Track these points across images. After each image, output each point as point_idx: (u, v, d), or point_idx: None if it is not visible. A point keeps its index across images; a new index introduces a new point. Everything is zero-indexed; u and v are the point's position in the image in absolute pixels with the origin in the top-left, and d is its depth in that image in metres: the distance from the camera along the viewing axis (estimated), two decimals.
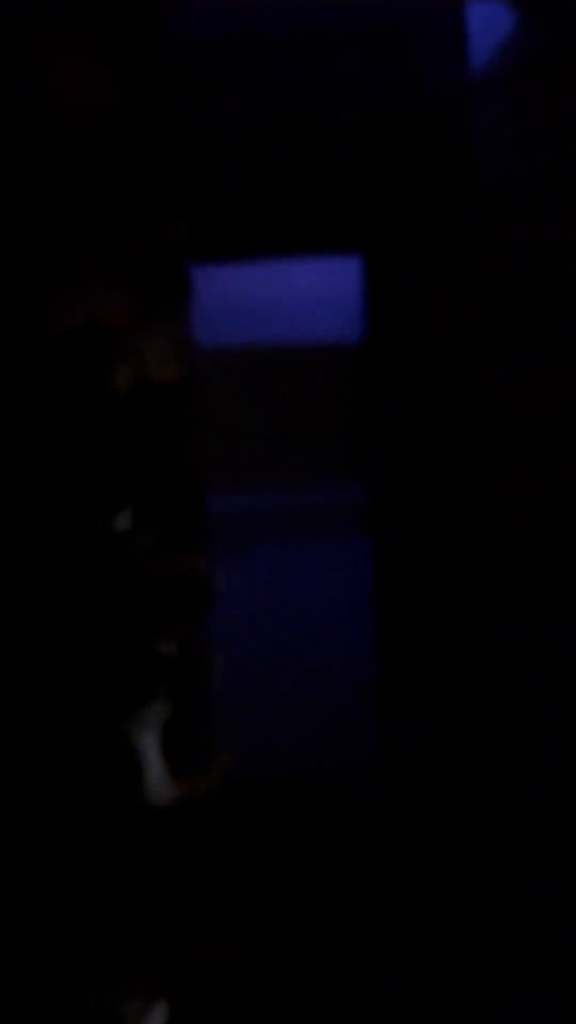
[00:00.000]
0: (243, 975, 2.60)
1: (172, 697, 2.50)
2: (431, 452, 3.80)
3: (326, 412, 3.95)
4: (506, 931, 3.72)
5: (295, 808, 3.82)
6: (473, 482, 3.75)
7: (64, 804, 2.45)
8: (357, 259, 3.92)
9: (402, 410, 3.84)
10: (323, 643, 3.93)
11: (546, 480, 3.71)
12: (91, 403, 2.48)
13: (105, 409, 2.48)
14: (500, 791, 3.73)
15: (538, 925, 3.66)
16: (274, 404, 3.92)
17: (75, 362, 2.47)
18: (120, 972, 2.49)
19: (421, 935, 3.78)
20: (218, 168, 3.68)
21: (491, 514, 3.74)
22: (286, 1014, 3.69)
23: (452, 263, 3.77)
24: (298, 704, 3.89)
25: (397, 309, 3.85)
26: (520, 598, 3.72)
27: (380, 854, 3.84)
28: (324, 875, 3.83)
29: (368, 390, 3.93)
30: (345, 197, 3.81)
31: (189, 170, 2.65)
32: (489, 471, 3.75)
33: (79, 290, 2.50)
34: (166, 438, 2.53)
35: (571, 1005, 3.61)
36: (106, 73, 2.59)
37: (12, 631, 2.45)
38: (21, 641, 2.45)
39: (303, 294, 3.96)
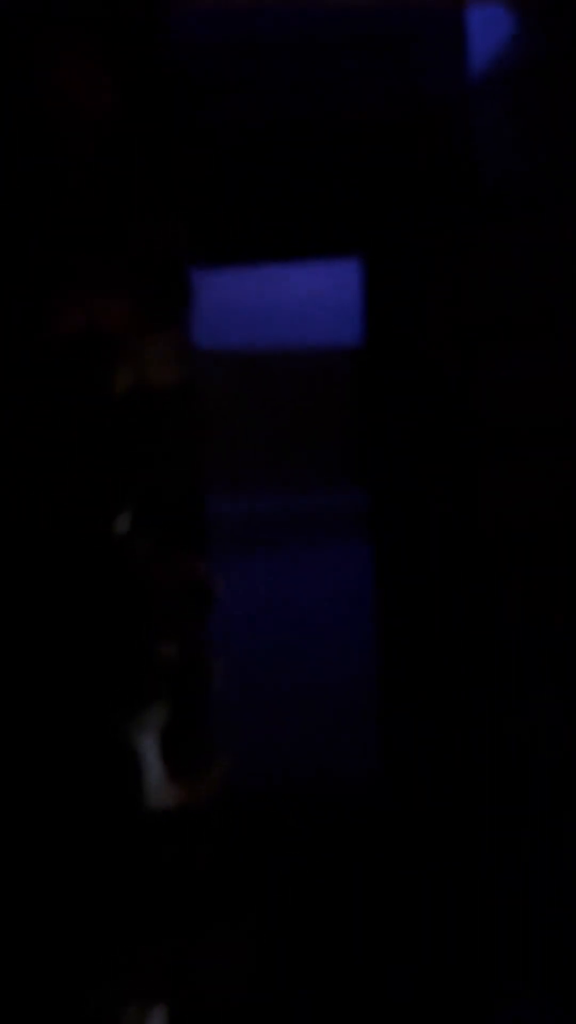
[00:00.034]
0: (243, 976, 2.60)
1: (171, 700, 2.49)
2: (431, 455, 3.80)
3: (326, 415, 3.95)
4: (506, 931, 3.71)
5: (295, 810, 3.83)
6: (473, 483, 3.75)
7: (63, 806, 2.45)
8: (357, 262, 3.92)
9: (402, 413, 3.84)
10: (323, 646, 3.93)
11: (546, 480, 3.71)
12: (90, 406, 2.48)
13: (104, 412, 2.48)
14: (500, 791, 3.73)
15: (538, 925, 3.66)
16: (274, 407, 3.92)
17: (74, 365, 2.47)
18: (119, 973, 2.49)
19: (421, 935, 3.78)
20: (218, 171, 3.67)
21: (491, 514, 3.74)
22: (286, 1014, 3.70)
23: (452, 265, 3.77)
24: (298, 707, 3.89)
25: (397, 312, 3.85)
26: (520, 598, 3.72)
27: (380, 854, 3.84)
28: (324, 875, 3.83)
29: (368, 393, 3.93)
30: (345, 200, 3.81)
31: (189, 172, 2.64)
32: (489, 471, 3.75)
33: (78, 292, 2.50)
34: (165, 441, 2.52)
35: (571, 1005, 3.61)
36: (106, 74, 2.59)
37: (10, 633, 2.45)
38: (19, 643, 2.45)
39: (302, 297, 3.96)
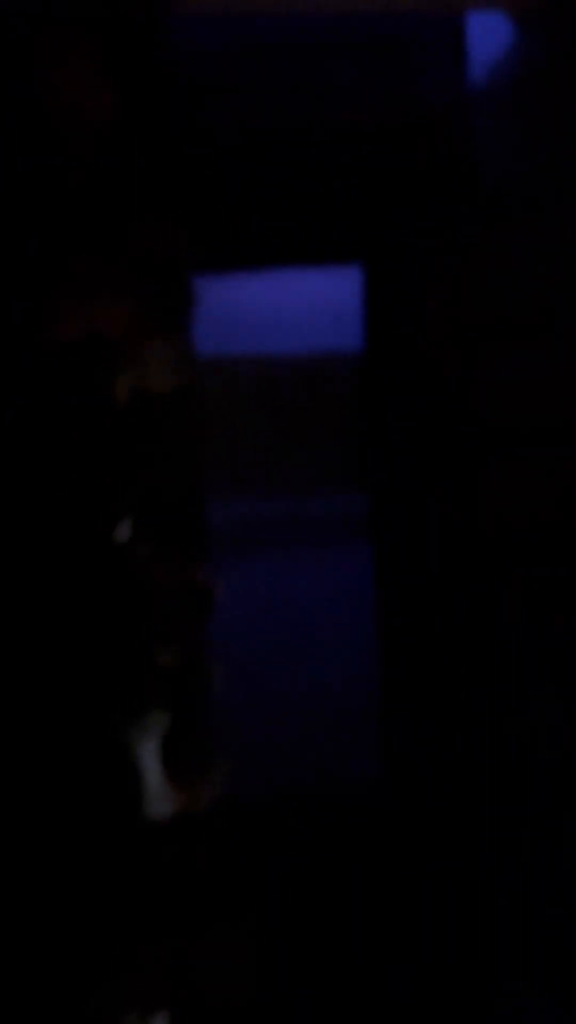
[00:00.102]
0: (244, 977, 2.60)
1: (172, 705, 2.50)
2: (431, 457, 3.80)
3: (326, 419, 3.95)
4: (506, 931, 3.72)
5: (296, 811, 3.83)
6: (473, 483, 3.74)
7: (64, 812, 2.45)
8: (357, 268, 3.93)
9: (402, 415, 3.84)
10: (324, 650, 3.93)
11: (546, 480, 3.70)
12: (91, 410, 2.48)
13: (105, 416, 2.48)
14: (500, 791, 3.73)
15: (538, 925, 3.66)
16: (275, 411, 3.92)
17: (75, 369, 2.47)
18: (120, 977, 2.49)
19: (421, 935, 3.78)
20: (218, 175, 3.67)
21: (491, 515, 3.74)
22: (286, 1014, 3.70)
23: (452, 267, 3.77)
24: (299, 710, 3.89)
25: (397, 315, 3.85)
26: (520, 599, 3.72)
27: (380, 854, 3.85)
28: (324, 875, 3.83)
29: (368, 396, 3.93)
30: (345, 204, 3.81)
31: (190, 175, 2.64)
32: (489, 472, 3.75)
33: (79, 296, 2.50)
34: (166, 445, 2.52)
35: (571, 1005, 3.61)
36: (106, 75, 2.59)
37: (12, 639, 2.44)
38: (21, 649, 2.45)
39: (303, 303, 3.96)
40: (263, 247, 3.83)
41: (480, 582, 3.74)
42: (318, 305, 3.96)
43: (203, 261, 2.62)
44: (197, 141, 2.94)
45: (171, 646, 2.52)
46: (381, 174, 3.84)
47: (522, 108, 3.67)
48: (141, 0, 2.64)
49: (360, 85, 3.79)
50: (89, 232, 2.54)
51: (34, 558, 2.46)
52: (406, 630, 3.86)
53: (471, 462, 3.74)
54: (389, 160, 3.84)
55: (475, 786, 3.75)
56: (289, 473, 3.95)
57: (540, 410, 3.71)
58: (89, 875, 2.46)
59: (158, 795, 2.48)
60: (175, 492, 2.55)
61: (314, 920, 3.80)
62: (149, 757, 2.49)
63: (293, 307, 3.96)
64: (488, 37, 3.74)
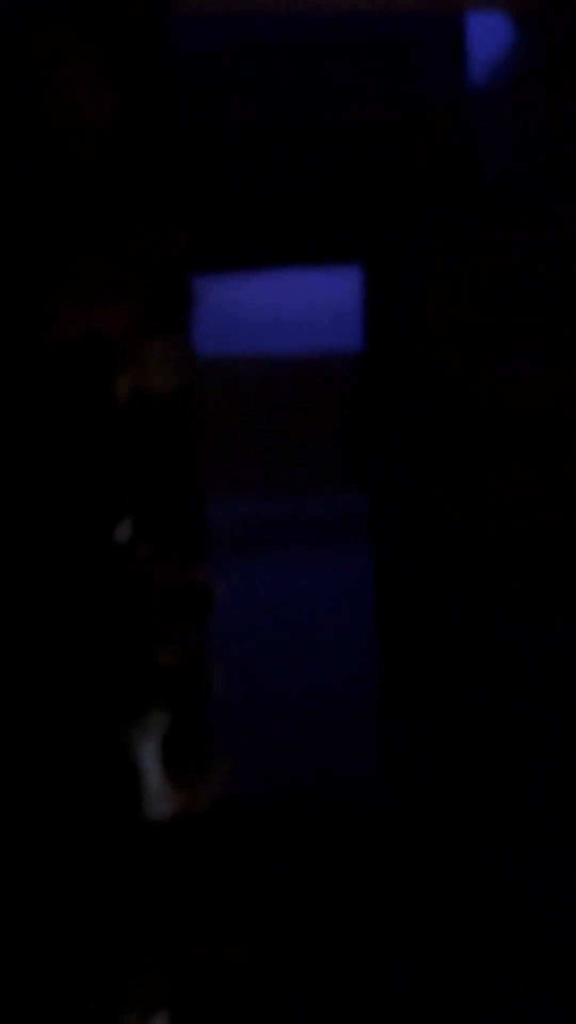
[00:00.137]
0: (243, 977, 2.60)
1: (172, 705, 2.50)
2: (432, 457, 3.80)
3: (327, 419, 3.95)
4: (506, 931, 3.72)
5: (296, 811, 3.83)
6: (473, 483, 3.74)
7: (64, 812, 2.45)
8: (357, 268, 3.93)
9: (402, 415, 3.84)
10: (324, 650, 3.93)
11: (546, 480, 3.70)
12: (91, 410, 2.48)
13: (105, 416, 2.48)
14: (500, 791, 3.73)
15: (538, 925, 3.66)
16: (275, 412, 3.92)
17: (75, 371, 2.47)
18: (120, 977, 2.49)
19: (421, 935, 3.78)
20: (218, 175, 3.67)
21: (491, 515, 3.74)
22: (286, 1014, 3.70)
23: (452, 268, 3.77)
24: (299, 710, 3.89)
25: (397, 317, 3.85)
26: (520, 599, 3.71)
27: (380, 854, 3.85)
28: (324, 875, 3.83)
29: (368, 396, 3.93)
30: (346, 204, 3.81)
31: (190, 175, 2.64)
32: (489, 471, 3.75)
33: (79, 297, 2.50)
34: (166, 446, 2.52)
35: (571, 1005, 3.61)
36: (106, 75, 2.59)
37: (11, 639, 2.44)
38: (20, 649, 2.44)
39: (303, 303, 3.96)
40: (263, 247, 3.83)
41: (480, 582, 3.74)
42: (318, 305, 3.96)
43: (203, 261, 2.62)
44: (197, 141, 2.93)
45: (171, 646, 2.51)
46: (381, 174, 3.84)
47: (522, 108, 3.67)
48: (141, 0, 2.64)
49: (360, 85, 3.79)
50: (89, 232, 2.54)
51: (34, 558, 2.46)
52: (406, 630, 3.85)
53: (471, 462, 3.74)
54: (389, 160, 3.84)
55: (475, 786, 3.75)
56: (289, 473, 3.95)
57: (540, 410, 3.71)
58: (89, 875, 2.46)
59: (158, 795, 2.48)
60: (175, 492, 2.55)
61: (314, 920, 3.80)
62: (149, 757, 2.48)
63: (293, 307, 3.96)
64: (488, 37, 3.74)
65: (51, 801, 2.45)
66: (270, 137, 3.75)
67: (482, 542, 3.74)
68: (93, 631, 2.46)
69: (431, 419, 3.79)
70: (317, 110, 3.77)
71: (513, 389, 3.71)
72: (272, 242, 3.83)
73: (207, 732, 2.60)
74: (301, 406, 3.95)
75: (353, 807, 3.86)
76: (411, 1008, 3.75)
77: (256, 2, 3.48)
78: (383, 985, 3.78)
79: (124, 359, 2.47)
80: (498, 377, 3.72)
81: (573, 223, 3.60)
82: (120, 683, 2.47)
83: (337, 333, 3.95)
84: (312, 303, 3.96)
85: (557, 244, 3.62)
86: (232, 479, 3.87)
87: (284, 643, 3.91)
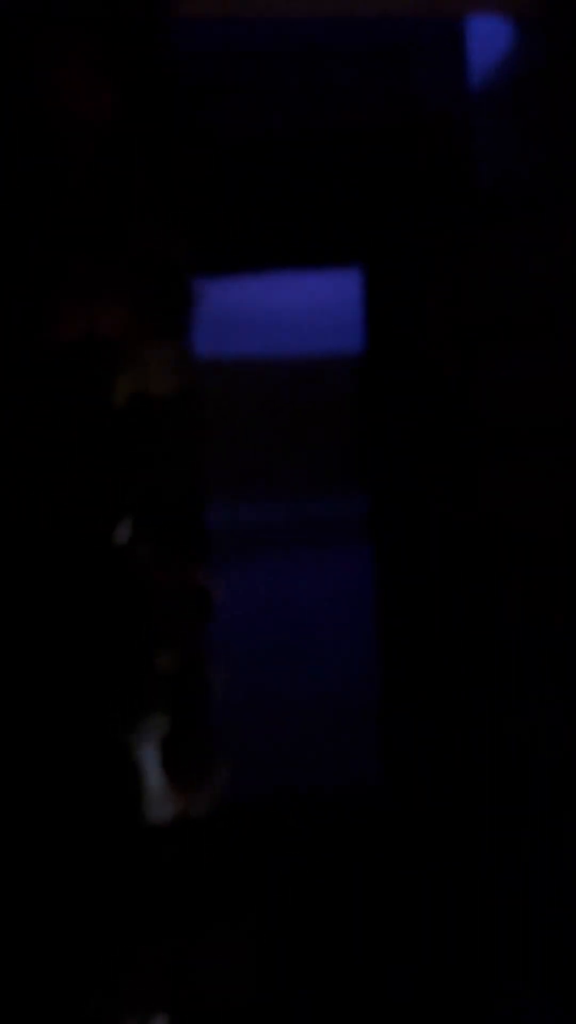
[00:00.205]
0: (243, 977, 2.60)
1: (172, 707, 2.49)
2: (432, 458, 3.80)
3: (326, 421, 3.95)
4: (506, 931, 3.72)
5: (296, 814, 3.83)
6: (473, 484, 3.74)
7: (65, 814, 2.45)
8: (357, 269, 3.93)
9: (402, 416, 3.84)
10: (324, 650, 3.93)
11: (546, 480, 3.70)
12: (90, 412, 2.47)
13: (105, 418, 2.47)
14: (500, 792, 3.73)
15: (538, 925, 3.66)
16: (275, 414, 3.92)
17: (74, 371, 2.47)
18: (120, 977, 2.49)
19: (421, 935, 3.78)
20: (218, 177, 3.67)
21: (491, 515, 3.74)
22: (286, 1014, 3.70)
23: (452, 268, 3.77)
24: (299, 711, 3.89)
25: (397, 318, 3.85)
26: (520, 599, 3.71)
27: (380, 854, 3.85)
28: (324, 875, 3.83)
29: (368, 398, 3.93)
30: (346, 208, 3.81)
31: (190, 176, 2.64)
32: (489, 472, 3.75)
33: (79, 297, 2.50)
34: (166, 448, 2.52)
35: (571, 1005, 3.61)
36: (106, 76, 2.59)
37: (11, 642, 2.44)
38: (20, 652, 2.44)
39: (303, 304, 3.96)
40: (263, 248, 3.84)
41: (480, 582, 3.74)
42: (318, 306, 3.97)
43: (203, 262, 2.62)
44: (197, 142, 2.93)
45: (171, 648, 2.51)
46: (381, 176, 3.84)
47: (522, 110, 3.67)
48: (141, 0, 2.64)
49: (360, 86, 3.80)
50: (89, 232, 2.54)
51: (34, 559, 2.45)
52: (406, 630, 3.86)
53: (471, 462, 3.74)
54: (389, 162, 3.84)
55: (475, 786, 3.75)
56: (289, 474, 3.95)
57: (540, 410, 3.71)
58: (90, 876, 2.46)
59: (158, 797, 2.48)
60: (175, 493, 2.55)
61: (314, 921, 3.80)
62: (149, 759, 2.48)
63: (293, 308, 3.97)
64: (488, 40, 3.74)
65: (52, 803, 2.45)
66: (270, 138, 3.75)
67: (482, 542, 3.74)
68: (93, 633, 2.46)
69: (431, 419, 3.79)
70: (318, 112, 3.78)
71: (513, 389, 3.71)
72: (272, 243, 3.83)
73: (207, 734, 2.60)
74: (301, 407, 3.95)
75: (353, 807, 3.86)
76: (411, 1008, 3.75)
77: (256, 6, 3.49)
78: (383, 985, 3.78)
79: (124, 360, 2.47)
80: (498, 377, 3.72)
81: (573, 223, 3.60)
82: (120, 685, 2.47)
83: (337, 334, 3.95)
84: (312, 304, 3.97)
85: (556, 244, 3.62)
86: (232, 480, 3.88)
87: (284, 643, 3.92)
